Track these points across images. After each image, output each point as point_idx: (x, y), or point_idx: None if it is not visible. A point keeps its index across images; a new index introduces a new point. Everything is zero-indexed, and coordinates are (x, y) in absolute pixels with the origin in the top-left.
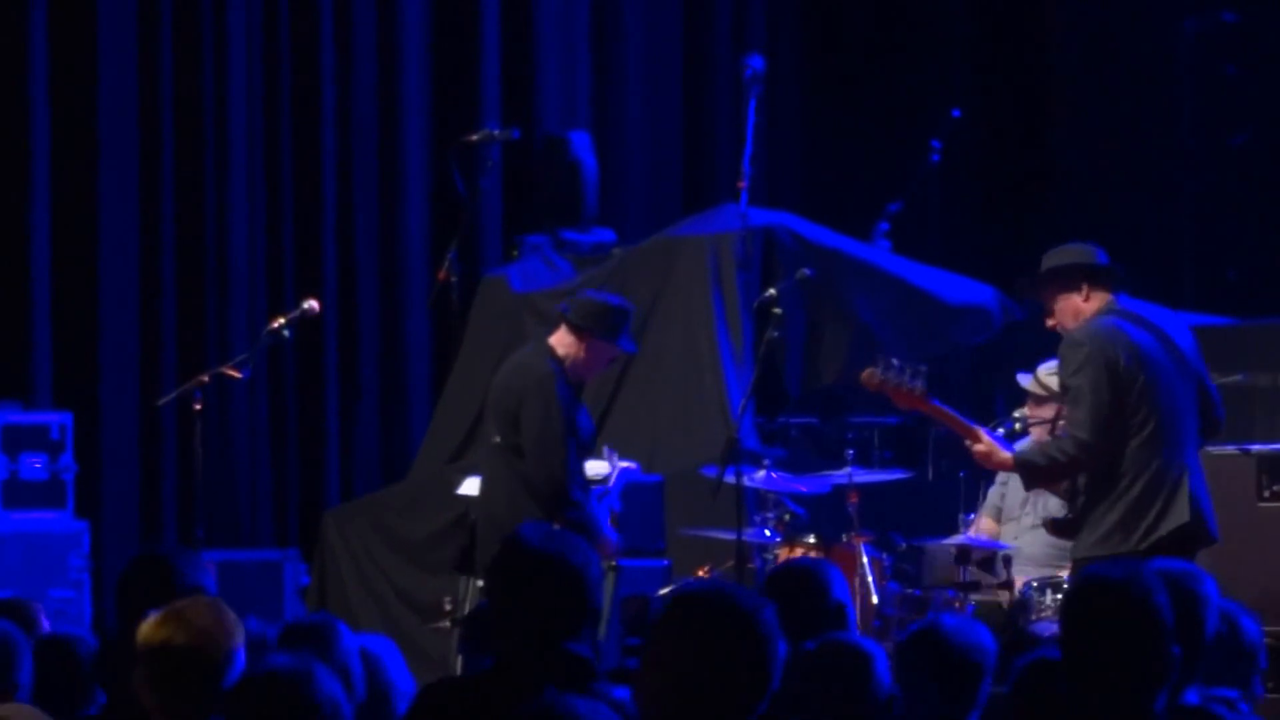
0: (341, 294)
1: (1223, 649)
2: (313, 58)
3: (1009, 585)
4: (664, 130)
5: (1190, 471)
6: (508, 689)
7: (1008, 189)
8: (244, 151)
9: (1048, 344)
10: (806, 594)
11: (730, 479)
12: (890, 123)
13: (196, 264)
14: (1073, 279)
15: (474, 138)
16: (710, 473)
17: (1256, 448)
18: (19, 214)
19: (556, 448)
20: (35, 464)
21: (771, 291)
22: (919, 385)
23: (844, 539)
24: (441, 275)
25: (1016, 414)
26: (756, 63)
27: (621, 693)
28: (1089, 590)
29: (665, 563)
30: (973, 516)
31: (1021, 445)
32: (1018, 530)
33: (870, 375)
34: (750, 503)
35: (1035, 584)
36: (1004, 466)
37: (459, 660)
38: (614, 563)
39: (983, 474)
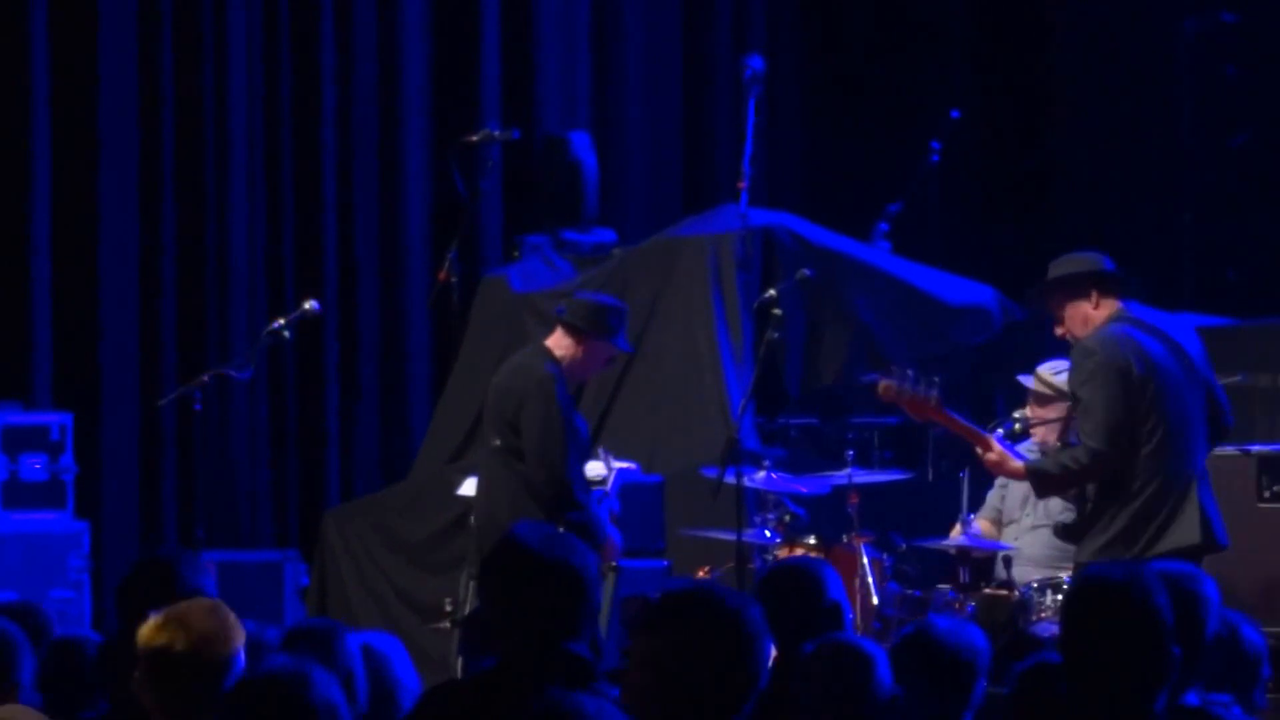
0: (341, 294)
1: (1223, 656)
2: (313, 58)
3: (1009, 586)
4: (664, 130)
5: (1199, 480)
6: (508, 690)
7: (1007, 190)
8: (244, 151)
9: (1048, 345)
10: (802, 593)
11: (730, 479)
12: (890, 123)
13: (196, 264)
14: (1081, 287)
15: (474, 138)
16: (710, 473)
17: (1256, 448)
18: (19, 214)
19: (559, 450)
20: (35, 465)
21: (771, 292)
22: (934, 395)
23: (844, 540)
24: (442, 275)
25: (1016, 414)
26: (756, 63)
27: None
28: (1089, 591)
29: (665, 563)
30: (972, 518)
31: (1024, 447)
32: (1018, 531)
33: (887, 387)
34: (750, 503)
35: (1035, 585)
36: (1016, 475)
37: (459, 661)
38: (614, 563)
39: (983, 475)
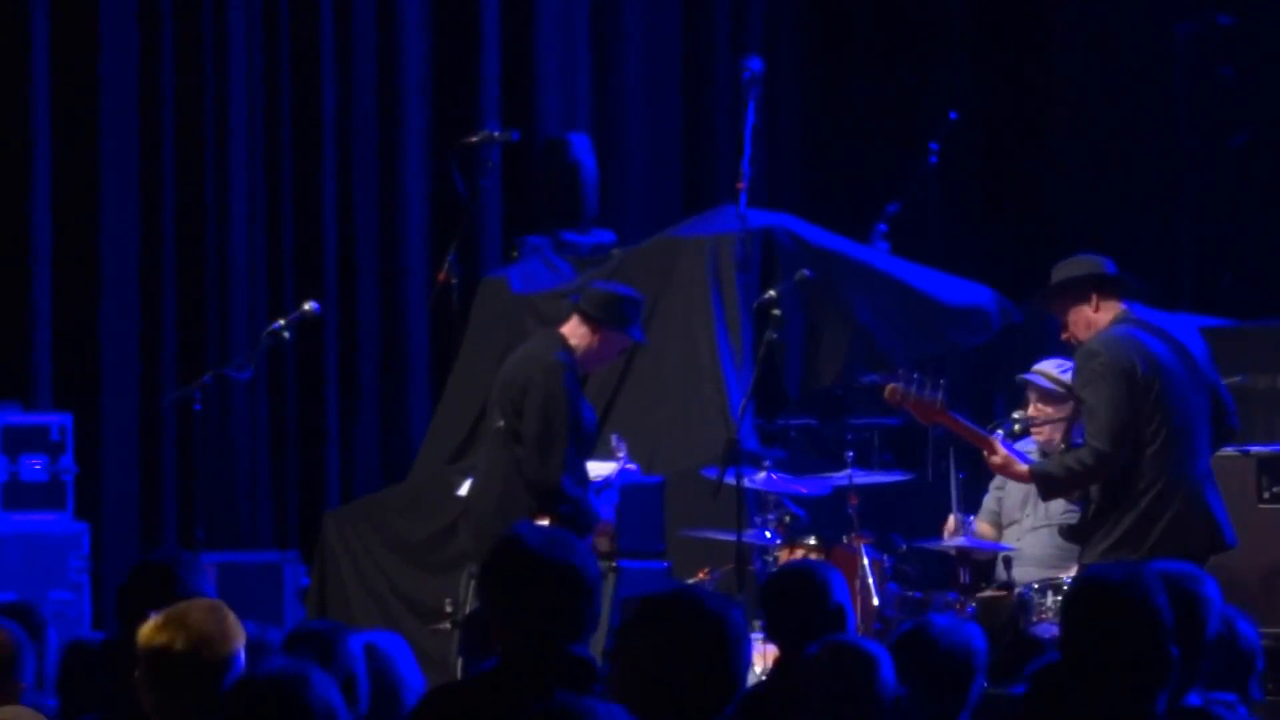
0: (341, 294)
1: (1222, 652)
2: (313, 58)
3: (1010, 587)
4: (664, 131)
5: (1204, 481)
6: (508, 691)
7: (1006, 190)
8: (244, 151)
9: (1046, 345)
10: (806, 597)
11: (730, 480)
12: (889, 124)
13: (196, 264)
14: (1082, 291)
15: (474, 139)
16: (710, 474)
17: (1256, 449)
18: (19, 214)
19: (556, 441)
20: (35, 465)
21: (771, 293)
22: (939, 397)
23: (844, 540)
24: (441, 276)
25: (1015, 415)
26: (755, 64)
27: None
28: (1088, 591)
29: (665, 564)
30: (972, 519)
31: (1022, 446)
32: (1019, 533)
33: (893, 391)
34: (750, 504)
35: (1036, 586)
36: (1021, 478)
37: (459, 663)
38: (614, 564)
39: (984, 476)
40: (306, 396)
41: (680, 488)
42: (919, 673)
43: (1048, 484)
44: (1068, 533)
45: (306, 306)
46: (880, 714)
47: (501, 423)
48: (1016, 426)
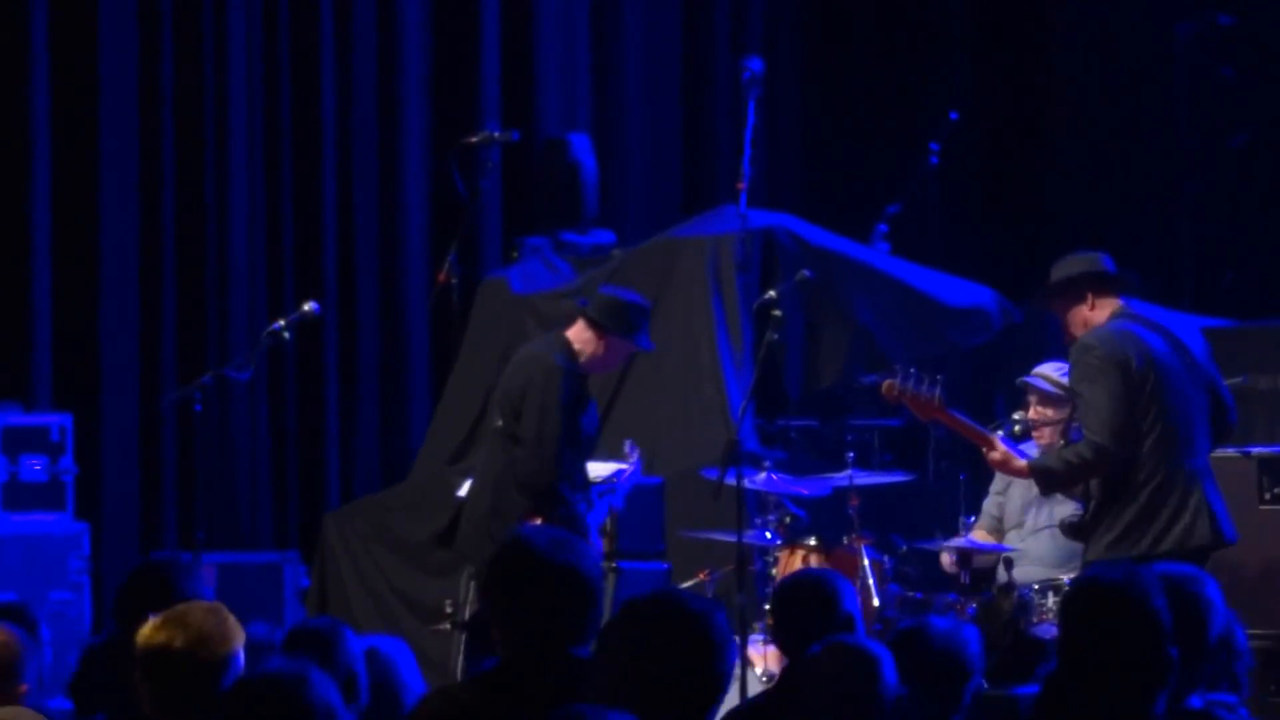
0: (341, 295)
1: (1223, 654)
2: (313, 58)
3: (1011, 588)
4: (664, 132)
5: (1202, 476)
6: (508, 694)
7: (1006, 191)
8: (244, 151)
9: (1047, 346)
10: (816, 606)
11: (731, 481)
12: (889, 124)
13: (196, 264)
14: (1078, 289)
15: (474, 139)
16: (711, 475)
17: (1257, 450)
18: (19, 214)
19: (550, 444)
20: (35, 466)
21: (771, 293)
22: (936, 394)
23: (845, 541)
24: (441, 277)
25: (1016, 416)
26: (755, 65)
27: None
28: (1087, 592)
29: (665, 565)
30: (973, 520)
31: (1025, 448)
32: (1023, 535)
33: (890, 387)
34: (751, 505)
35: (1036, 587)
36: (1020, 474)
37: (461, 664)
38: (614, 565)
39: (984, 476)
40: (306, 396)
41: (680, 488)
42: (913, 673)
43: (1047, 478)
44: (1069, 530)
45: (306, 307)
46: (882, 714)
47: (500, 424)
48: (1017, 428)
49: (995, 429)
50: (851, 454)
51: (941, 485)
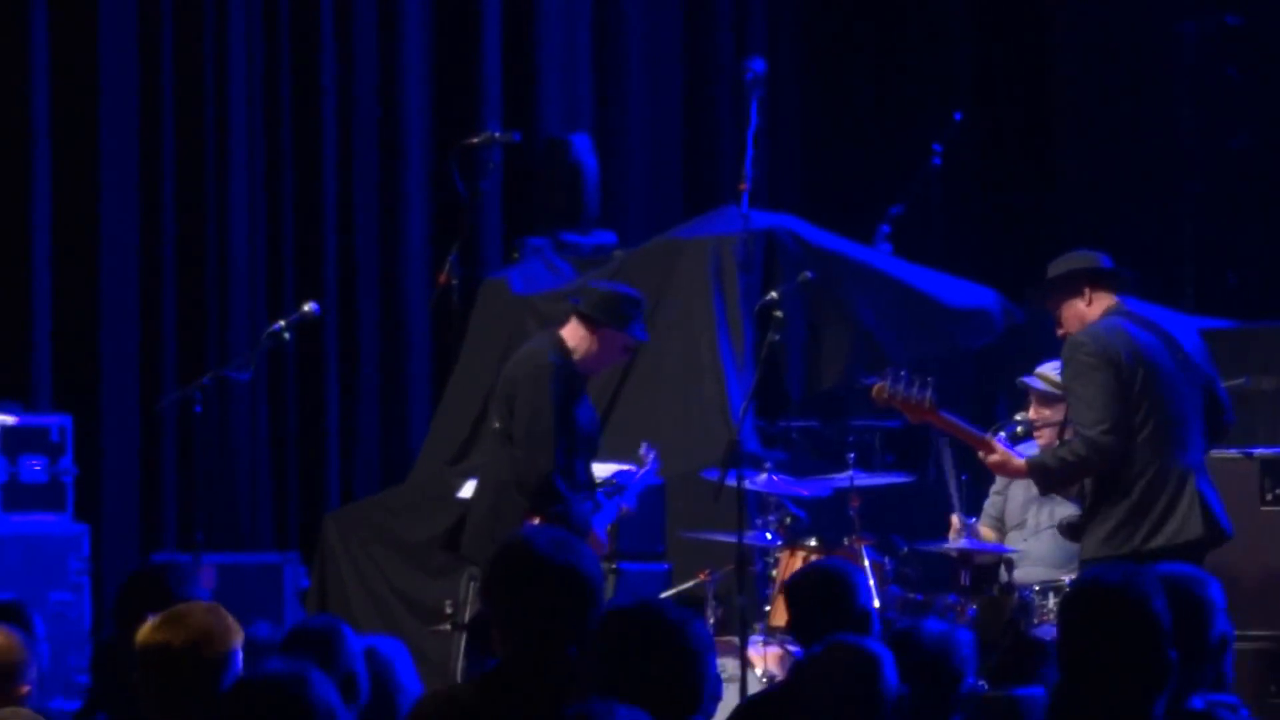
0: (341, 296)
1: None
2: (313, 58)
3: (1011, 589)
4: (665, 132)
5: (1196, 472)
6: (507, 694)
7: (1009, 192)
8: (244, 151)
9: (1049, 346)
10: (831, 601)
11: (731, 482)
12: (891, 125)
13: (196, 264)
14: (1075, 285)
15: (475, 140)
16: (711, 476)
17: (1259, 451)
18: (19, 214)
19: (544, 442)
20: (35, 466)
21: (773, 294)
22: (928, 396)
23: (845, 542)
24: (442, 278)
25: (1018, 417)
26: (758, 65)
27: None
28: (1086, 593)
29: (665, 566)
30: (974, 520)
31: (1025, 449)
32: (1024, 535)
33: (880, 390)
34: (751, 506)
35: (1037, 588)
36: (1019, 474)
37: (461, 665)
38: (614, 565)
39: (985, 477)
40: (306, 397)
41: (681, 489)
42: (905, 676)
43: (1044, 476)
44: (1067, 530)
45: (306, 307)
46: (882, 714)
47: (498, 424)
48: (1019, 430)
49: (997, 430)
50: (852, 455)
51: (942, 486)
